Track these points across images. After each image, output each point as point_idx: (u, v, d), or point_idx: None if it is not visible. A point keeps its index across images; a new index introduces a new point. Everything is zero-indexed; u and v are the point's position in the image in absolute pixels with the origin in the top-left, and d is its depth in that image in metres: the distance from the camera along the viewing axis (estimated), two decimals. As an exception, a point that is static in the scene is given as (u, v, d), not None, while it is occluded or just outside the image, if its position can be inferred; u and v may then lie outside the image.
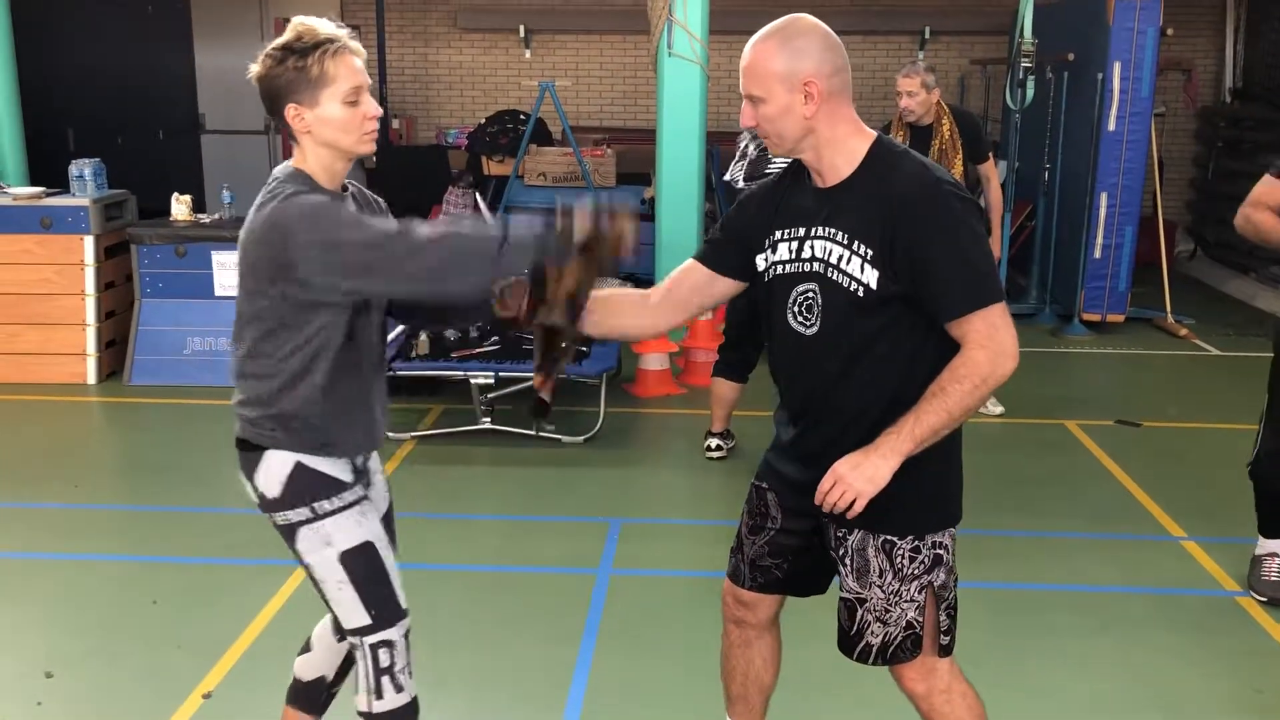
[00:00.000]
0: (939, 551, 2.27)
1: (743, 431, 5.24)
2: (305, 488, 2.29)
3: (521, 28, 10.97)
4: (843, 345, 2.19)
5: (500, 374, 5.33)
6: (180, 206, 6.74)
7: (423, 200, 9.24)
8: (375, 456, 2.53)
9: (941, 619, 2.30)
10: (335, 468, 2.33)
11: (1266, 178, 3.51)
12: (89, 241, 6.44)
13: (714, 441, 5.16)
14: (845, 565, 2.29)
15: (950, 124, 5.35)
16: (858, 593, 2.28)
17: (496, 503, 4.74)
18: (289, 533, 2.34)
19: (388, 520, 2.59)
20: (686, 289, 2.42)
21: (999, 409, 5.95)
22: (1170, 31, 7.73)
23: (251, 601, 3.76)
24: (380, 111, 2.24)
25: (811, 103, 2.14)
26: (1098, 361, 7.32)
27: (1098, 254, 7.83)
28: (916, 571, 2.24)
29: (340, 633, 2.52)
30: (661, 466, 5.17)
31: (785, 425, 2.39)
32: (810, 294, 2.21)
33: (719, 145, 8.73)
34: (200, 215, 6.87)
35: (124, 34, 9.99)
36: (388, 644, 2.42)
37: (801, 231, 2.23)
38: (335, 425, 2.30)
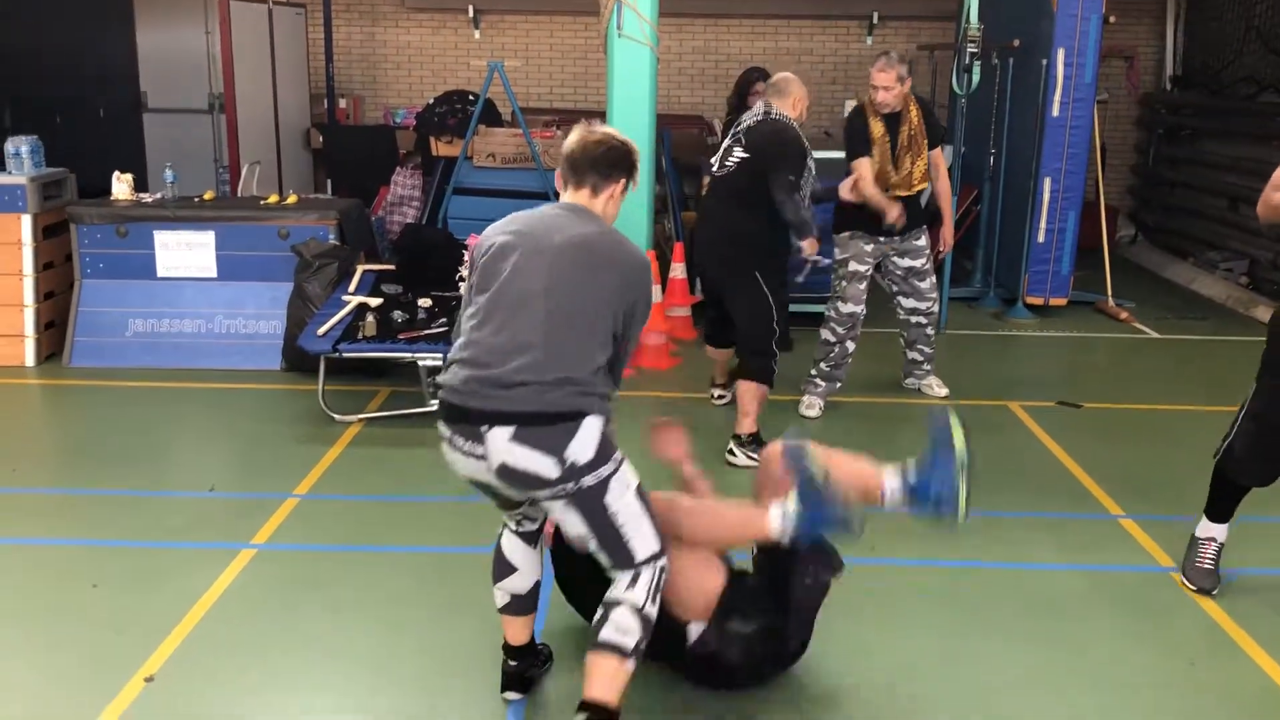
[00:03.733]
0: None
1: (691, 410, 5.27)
2: (610, 442, 2.73)
3: (470, 8, 10.87)
4: None
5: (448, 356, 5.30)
6: (121, 186, 6.62)
7: (370, 181, 9.16)
8: None
9: None
10: None
11: None
12: (26, 220, 6.31)
13: (716, 391, 5.86)
14: None
15: (918, 110, 5.54)
16: None
17: (446, 484, 4.71)
18: (598, 491, 2.71)
19: None
20: None
21: (943, 391, 6.02)
22: (1113, 19, 7.84)
23: (194, 585, 3.72)
24: None
25: None
26: (1040, 344, 7.43)
27: (1041, 238, 7.95)
28: None
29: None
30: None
31: None
32: None
33: (669, 128, 8.72)
34: (142, 195, 6.76)
35: (63, 11, 9.76)
36: (665, 568, 2.82)
37: None
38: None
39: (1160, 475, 4.86)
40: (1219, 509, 3.83)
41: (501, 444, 2.66)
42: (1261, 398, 3.60)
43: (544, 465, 2.65)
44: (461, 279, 6.12)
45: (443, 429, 2.78)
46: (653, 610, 2.77)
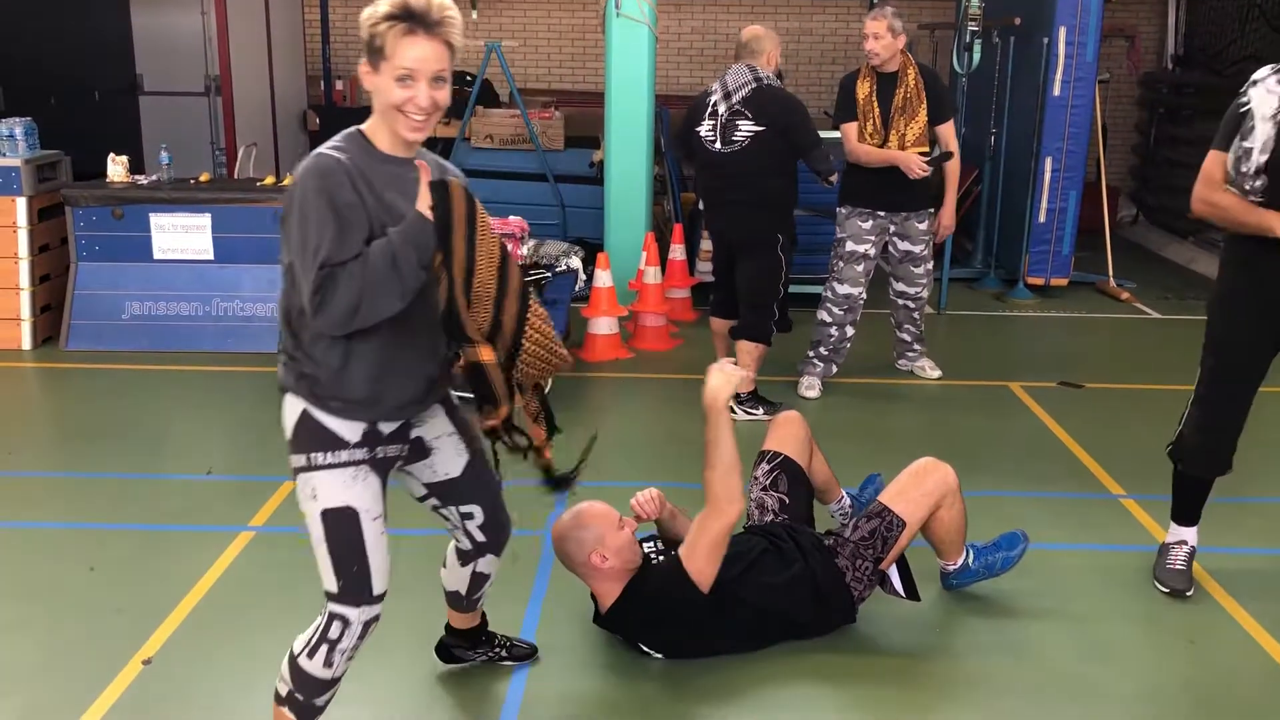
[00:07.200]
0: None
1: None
2: (307, 437, 2.37)
3: (468, -12, 10.82)
4: None
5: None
6: (116, 168, 6.59)
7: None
8: (440, 425, 2.65)
9: None
10: (343, 426, 2.37)
11: (1213, 153, 3.35)
12: (21, 203, 6.28)
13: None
14: None
15: (915, 75, 5.43)
16: None
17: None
18: (294, 476, 2.41)
19: (448, 490, 2.69)
20: None
21: (936, 373, 6.00)
22: (1115, -3, 7.80)
23: (192, 568, 3.71)
24: (437, 105, 2.32)
25: None
26: (1041, 324, 7.41)
27: (1042, 218, 7.92)
28: None
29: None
30: (609, 429, 5.16)
31: None
32: None
33: (668, 108, 8.67)
34: (138, 176, 6.72)
35: (56, -9, 9.70)
36: (343, 620, 2.44)
37: None
38: (348, 386, 2.35)
39: (1162, 455, 4.83)
40: (1184, 508, 3.71)
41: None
42: (1203, 381, 3.55)
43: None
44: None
45: None
46: (310, 667, 2.44)
